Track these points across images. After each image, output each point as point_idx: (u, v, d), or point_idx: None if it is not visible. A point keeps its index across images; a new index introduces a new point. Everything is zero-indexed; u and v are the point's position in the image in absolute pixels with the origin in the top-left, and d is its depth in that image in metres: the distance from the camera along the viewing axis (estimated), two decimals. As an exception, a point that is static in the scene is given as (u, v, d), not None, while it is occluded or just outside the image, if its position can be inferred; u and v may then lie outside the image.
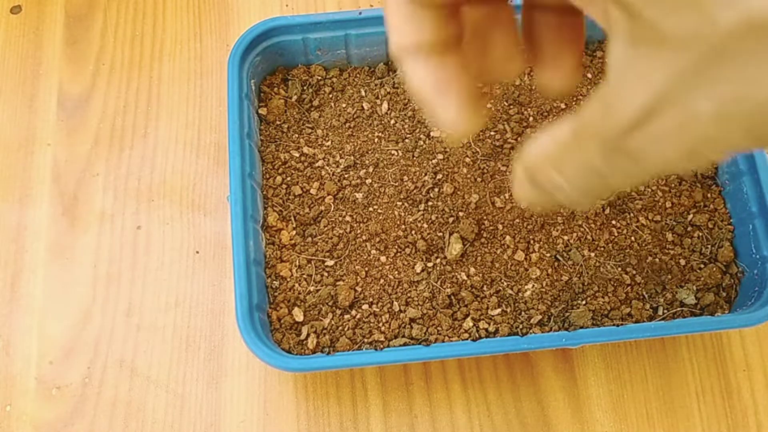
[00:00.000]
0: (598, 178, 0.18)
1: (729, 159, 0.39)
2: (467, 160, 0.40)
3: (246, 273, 0.35)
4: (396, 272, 0.38)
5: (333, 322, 0.37)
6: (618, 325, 0.36)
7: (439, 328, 0.36)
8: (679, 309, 0.37)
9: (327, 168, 0.40)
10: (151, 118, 0.45)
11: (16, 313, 0.41)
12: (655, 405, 0.39)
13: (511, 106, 0.42)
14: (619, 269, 0.38)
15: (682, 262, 0.38)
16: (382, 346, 0.36)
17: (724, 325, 0.36)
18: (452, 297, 0.37)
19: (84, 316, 0.40)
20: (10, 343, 0.40)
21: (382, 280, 0.38)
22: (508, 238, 0.38)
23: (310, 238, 0.39)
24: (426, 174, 0.40)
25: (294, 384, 0.39)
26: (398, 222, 0.39)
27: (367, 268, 0.38)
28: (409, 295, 0.37)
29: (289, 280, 0.38)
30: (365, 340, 0.36)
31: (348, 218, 0.39)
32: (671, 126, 0.15)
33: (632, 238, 0.39)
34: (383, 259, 0.38)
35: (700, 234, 0.39)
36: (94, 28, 0.47)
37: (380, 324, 0.37)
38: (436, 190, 0.40)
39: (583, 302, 0.37)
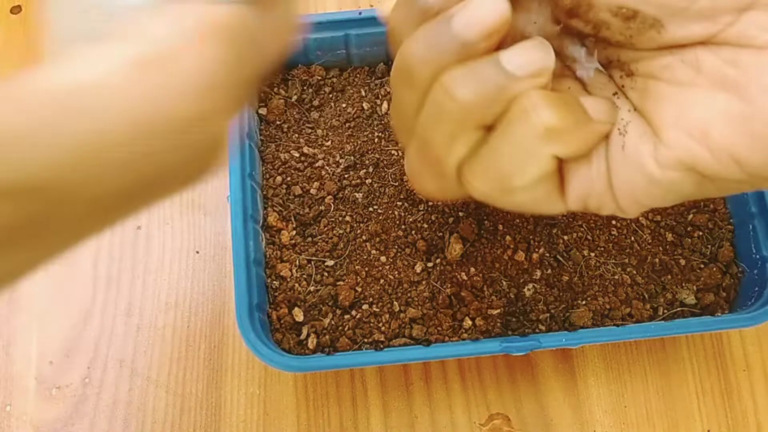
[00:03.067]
0: None
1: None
2: (467, 160, 0.40)
3: (246, 273, 0.35)
4: (396, 272, 0.38)
5: (333, 322, 0.37)
6: (618, 325, 0.36)
7: (439, 328, 0.36)
8: (679, 309, 0.37)
9: (327, 168, 0.40)
10: (151, 118, 0.45)
11: (16, 313, 0.41)
12: (655, 405, 0.39)
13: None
14: (619, 269, 0.38)
15: (682, 262, 0.38)
16: (382, 346, 0.36)
17: (724, 325, 0.36)
18: (452, 297, 0.37)
19: (84, 316, 0.40)
20: (10, 343, 0.40)
21: (382, 280, 0.38)
22: (508, 238, 0.38)
23: (310, 238, 0.39)
24: (426, 174, 0.40)
25: (294, 384, 0.39)
26: (398, 222, 0.39)
27: (367, 268, 0.38)
28: (409, 295, 0.37)
29: (289, 280, 0.38)
30: (365, 340, 0.36)
31: (348, 218, 0.39)
32: None
33: (632, 238, 0.39)
34: (383, 259, 0.38)
35: (700, 234, 0.39)
36: (94, 28, 0.47)
37: (380, 324, 0.37)
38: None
39: (583, 302, 0.37)
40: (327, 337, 0.37)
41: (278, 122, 0.42)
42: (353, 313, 0.37)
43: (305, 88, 0.42)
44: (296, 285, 0.38)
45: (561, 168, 0.20)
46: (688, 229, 0.39)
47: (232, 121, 0.13)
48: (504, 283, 0.38)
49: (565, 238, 0.39)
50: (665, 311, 0.37)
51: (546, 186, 0.19)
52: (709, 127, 0.17)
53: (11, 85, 0.11)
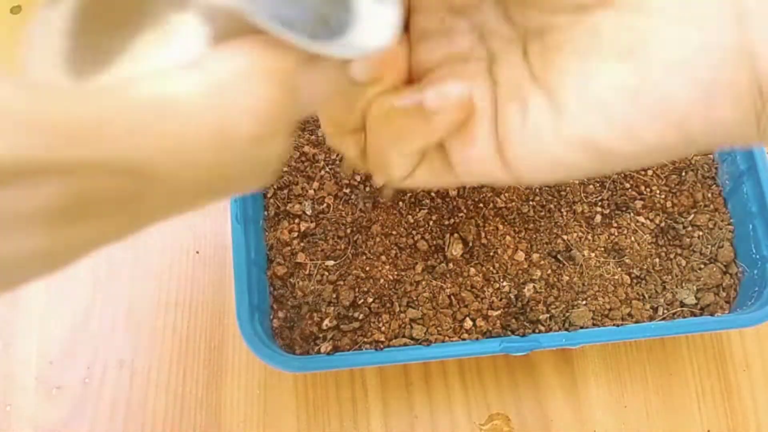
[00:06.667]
0: None
1: (729, 159, 0.39)
2: (467, 160, 0.40)
3: (246, 273, 0.35)
4: (396, 272, 0.38)
5: (333, 322, 0.37)
6: (618, 325, 0.36)
7: (439, 328, 0.36)
8: (679, 309, 0.37)
9: (327, 168, 0.40)
10: (151, 118, 0.45)
11: (16, 313, 0.41)
12: (655, 405, 0.39)
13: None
14: (619, 269, 0.38)
15: (682, 262, 0.38)
16: (382, 346, 0.36)
17: (724, 325, 0.36)
18: (452, 297, 0.37)
19: (84, 316, 0.40)
20: (10, 343, 0.40)
21: (382, 280, 0.38)
22: (508, 238, 0.38)
23: (310, 238, 0.39)
24: (426, 174, 0.40)
25: (294, 384, 0.39)
26: (399, 222, 0.39)
27: (367, 268, 0.38)
28: (409, 295, 0.37)
29: (289, 280, 0.38)
30: (365, 340, 0.36)
31: (348, 218, 0.39)
32: None
33: (632, 238, 0.39)
34: (383, 258, 0.38)
35: (700, 234, 0.39)
36: (94, 28, 0.47)
37: (380, 324, 0.37)
38: (437, 190, 0.40)
39: (583, 302, 0.37)
40: (327, 337, 0.37)
41: (278, 122, 0.42)
42: (353, 313, 0.37)
43: (305, 88, 0.42)
44: (296, 285, 0.38)
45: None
46: (688, 229, 0.39)
47: (281, 147, 0.16)
48: (504, 283, 0.38)
49: (565, 238, 0.39)
50: (665, 311, 0.37)
51: (429, 168, 0.21)
52: (607, 101, 0.18)
53: (105, 89, 0.14)
